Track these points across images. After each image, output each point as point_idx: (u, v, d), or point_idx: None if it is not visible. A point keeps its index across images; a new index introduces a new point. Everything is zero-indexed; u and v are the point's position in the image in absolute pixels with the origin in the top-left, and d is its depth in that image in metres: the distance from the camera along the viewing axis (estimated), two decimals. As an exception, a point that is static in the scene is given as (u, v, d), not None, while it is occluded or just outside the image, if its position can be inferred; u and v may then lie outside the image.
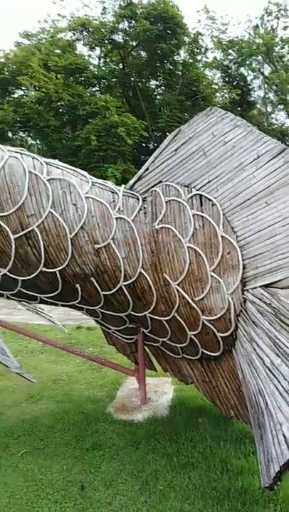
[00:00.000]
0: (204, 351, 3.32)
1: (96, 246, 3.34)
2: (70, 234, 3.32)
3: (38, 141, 21.44)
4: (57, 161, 3.65)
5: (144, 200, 3.41)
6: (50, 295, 3.63)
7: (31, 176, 3.39)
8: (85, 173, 3.62)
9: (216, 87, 22.51)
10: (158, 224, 3.28)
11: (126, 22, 18.66)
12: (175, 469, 2.82)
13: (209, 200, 3.17)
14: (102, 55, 20.67)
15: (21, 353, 5.49)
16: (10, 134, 21.68)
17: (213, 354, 3.28)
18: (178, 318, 3.29)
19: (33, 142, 22.16)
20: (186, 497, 2.57)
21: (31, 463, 2.96)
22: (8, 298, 3.91)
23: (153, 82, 22.51)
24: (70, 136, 19.68)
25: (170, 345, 3.57)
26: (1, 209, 3.34)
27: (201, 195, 3.20)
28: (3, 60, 17.65)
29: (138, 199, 3.43)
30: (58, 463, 2.95)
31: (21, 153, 3.54)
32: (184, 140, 3.31)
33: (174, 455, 2.98)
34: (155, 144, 21.27)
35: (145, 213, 3.37)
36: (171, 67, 20.95)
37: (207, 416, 3.58)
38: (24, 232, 3.34)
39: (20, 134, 22.19)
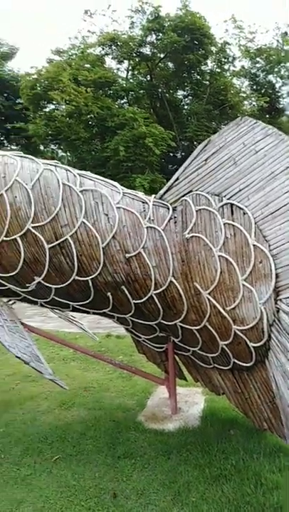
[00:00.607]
0: (236, 361, 3.28)
1: (127, 255, 3.39)
2: (102, 243, 3.40)
3: (68, 153, 22.02)
4: (89, 173, 3.76)
5: (174, 209, 3.45)
6: (82, 303, 3.71)
7: (65, 188, 3.50)
8: (116, 183, 3.70)
9: (244, 95, 22.38)
10: (188, 233, 3.30)
11: (153, 35, 18.97)
12: (207, 481, 2.79)
13: (240, 208, 3.16)
14: (130, 67, 21.08)
15: (53, 360, 5.60)
16: (41, 147, 22.43)
17: (245, 364, 3.24)
18: (209, 327, 3.28)
19: (64, 154, 22.79)
20: (219, 510, 2.52)
21: (64, 469, 3.01)
22: (41, 306, 4.02)
23: (180, 93, 22.68)
24: (99, 147, 20.09)
25: (201, 355, 3.55)
26: (37, 219, 3.47)
27: (232, 204, 3.20)
28: (35, 76, 18.35)
29: (168, 208, 3.47)
30: (90, 470, 2.98)
31: (55, 166, 3.68)
32: (215, 150, 3.33)
33: (206, 466, 2.94)
34: (183, 154, 21.34)
35: (175, 222, 3.40)
36: (198, 77, 21.05)
37: (239, 428, 3.52)
38: (58, 241, 3.45)
39: (52, 146, 22.93)
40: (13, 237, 3.50)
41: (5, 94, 21.94)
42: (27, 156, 3.80)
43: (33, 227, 3.46)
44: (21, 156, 3.75)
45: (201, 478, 2.82)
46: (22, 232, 3.48)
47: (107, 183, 3.66)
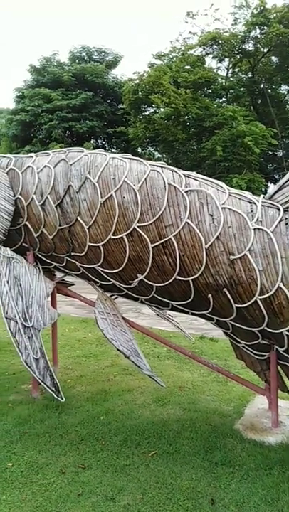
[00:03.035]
0: None
1: (231, 257, 3.30)
2: (206, 244, 3.37)
3: (165, 155, 22.40)
4: (194, 173, 3.75)
5: (285, 210, 3.25)
6: (182, 303, 3.73)
7: (170, 188, 3.55)
8: (222, 183, 3.63)
9: None
10: (301, 236, 3.07)
11: (257, 29, 18.19)
12: (316, 506, 2.56)
13: None
14: (231, 65, 20.54)
15: (148, 356, 5.73)
16: (139, 150, 23.22)
17: None
18: None
19: (160, 156, 23.26)
20: None
21: (161, 465, 3.05)
22: (142, 302, 4.15)
23: (284, 88, 21.33)
24: (195, 148, 20.02)
25: (309, 368, 3.29)
26: (142, 219, 3.58)
27: None
28: (137, 81, 19.04)
29: (279, 209, 3.28)
30: (187, 471, 2.97)
31: (162, 167, 3.76)
32: None
33: (313, 490, 2.71)
34: (284, 152, 20.10)
35: (287, 224, 3.20)
36: (305, 69, 19.59)
37: None
38: (161, 241, 3.51)
39: (149, 148, 23.58)
40: (119, 236, 3.67)
41: (108, 101, 23.25)
42: (135, 157, 3.94)
43: (138, 226, 3.58)
44: (130, 158, 3.91)
45: (307, 501, 2.61)
46: (128, 231, 3.63)
47: (212, 183, 3.61)
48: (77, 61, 23.14)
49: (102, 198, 3.73)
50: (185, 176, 3.65)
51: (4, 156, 4.48)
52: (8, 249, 4.20)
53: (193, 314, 3.89)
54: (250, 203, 3.39)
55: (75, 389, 4.57)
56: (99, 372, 5.15)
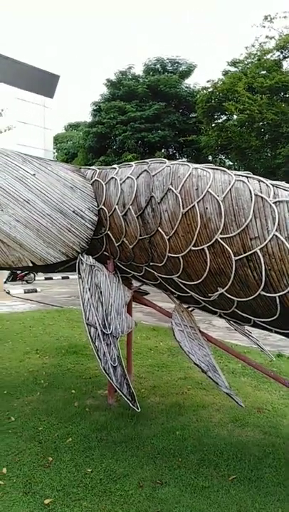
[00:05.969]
0: None
1: None
2: (297, 259, 3.15)
3: (236, 162, 21.86)
4: (284, 183, 3.55)
5: None
6: (265, 320, 3.53)
7: (257, 199, 3.40)
8: (315, 194, 3.38)
9: None
10: None
11: None
12: None
13: None
14: (311, 67, 19.54)
15: (222, 371, 5.52)
16: (210, 158, 22.97)
17: None
18: None
19: (231, 163, 22.75)
20: None
21: (243, 492, 2.87)
22: (220, 316, 4.01)
23: None
24: (269, 155, 19.27)
25: None
26: (226, 231, 3.47)
27: None
28: (211, 89, 18.92)
29: None
30: (271, 503, 2.75)
31: (247, 177, 3.62)
32: None
33: None
34: None
35: None
36: None
37: None
38: (246, 254, 3.36)
39: (220, 156, 23.21)
40: (200, 247, 3.59)
41: (180, 110, 23.42)
42: (219, 167, 3.85)
43: (221, 238, 3.47)
44: (214, 169, 3.82)
45: None
46: (210, 243, 3.53)
47: (304, 193, 3.38)
48: (151, 73, 23.70)
49: (183, 208, 3.69)
50: (273, 185, 3.46)
51: (89, 168, 4.66)
52: (90, 257, 4.34)
53: (276, 332, 3.66)
54: None
55: (149, 399, 4.54)
56: (172, 384, 5.08)
